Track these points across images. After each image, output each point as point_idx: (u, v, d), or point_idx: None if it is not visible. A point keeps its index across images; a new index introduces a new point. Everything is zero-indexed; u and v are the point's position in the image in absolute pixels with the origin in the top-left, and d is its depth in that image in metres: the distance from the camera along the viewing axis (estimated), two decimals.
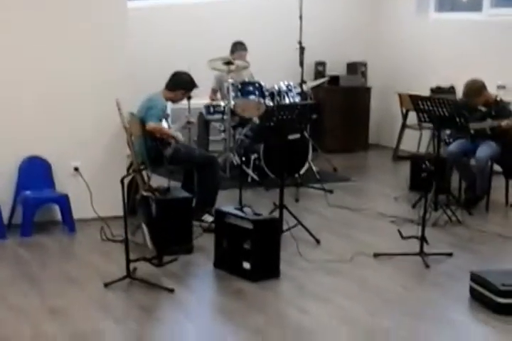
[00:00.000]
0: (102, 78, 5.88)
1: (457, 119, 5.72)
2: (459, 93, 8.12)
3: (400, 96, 8.59)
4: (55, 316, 4.11)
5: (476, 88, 6.37)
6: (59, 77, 5.80)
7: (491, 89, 6.77)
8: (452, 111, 5.67)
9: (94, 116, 5.89)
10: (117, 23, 5.90)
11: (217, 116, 7.61)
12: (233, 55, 7.79)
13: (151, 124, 5.61)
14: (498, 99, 6.56)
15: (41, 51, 5.75)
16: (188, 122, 6.15)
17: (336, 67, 9.36)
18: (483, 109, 6.47)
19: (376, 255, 5.18)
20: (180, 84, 5.90)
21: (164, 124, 5.85)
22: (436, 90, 8.58)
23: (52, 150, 5.81)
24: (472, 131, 6.36)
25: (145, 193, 5.16)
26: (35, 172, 5.77)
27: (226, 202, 6.04)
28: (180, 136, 5.86)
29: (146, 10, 8.22)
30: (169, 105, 7.60)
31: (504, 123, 6.25)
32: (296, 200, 6.68)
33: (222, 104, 7.56)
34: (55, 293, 4.46)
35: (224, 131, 7.67)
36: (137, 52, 6.50)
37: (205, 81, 7.68)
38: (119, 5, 5.94)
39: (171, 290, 4.46)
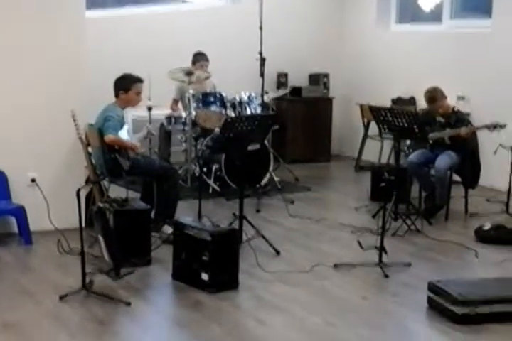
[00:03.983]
0: (58, 89, 5.82)
1: (416, 130, 5.74)
2: (420, 104, 8.23)
3: (361, 107, 8.63)
4: (8, 330, 4.03)
5: (439, 91, 6.46)
6: (15, 87, 5.73)
7: (451, 100, 6.83)
8: (412, 122, 5.70)
9: (52, 127, 5.82)
10: (75, 32, 5.85)
11: (179, 127, 7.57)
12: (195, 65, 7.77)
13: (110, 137, 5.55)
14: (456, 109, 6.62)
15: None
16: (149, 132, 6.09)
17: (297, 78, 9.38)
18: (442, 119, 6.53)
19: (336, 265, 5.17)
20: (116, 85, 5.82)
21: (123, 133, 5.78)
22: (397, 101, 8.64)
23: (9, 161, 5.73)
24: (431, 141, 6.41)
25: (101, 204, 5.10)
26: None
27: (186, 213, 6.01)
28: (139, 146, 5.81)
29: (103, 20, 8.14)
30: (130, 115, 7.62)
31: (463, 131, 6.30)
32: (257, 211, 6.66)
33: (183, 114, 7.53)
34: (8, 307, 4.38)
35: (185, 141, 7.64)
36: (94, 62, 6.43)
37: (165, 92, 7.69)
38: (77, 15, 5.89)
39: (128, 304, 4.40)
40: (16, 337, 3.96)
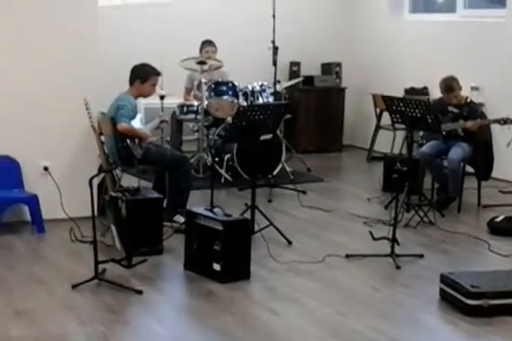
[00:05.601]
0: (71, 77, 5.81)
1: (429, 120, 5.72)
2: (433, 94, 8.19)
3: (374, 97, 8.59)
4: (21, 318, 4.05)
5: (456, 80, 6.42)
6: (28, 76, 5.73)
7: (465, 91, 6.78)
8: (425, 112, 5.67)
9: (65, 115, 5.82)
10: (87, 20, 5.83)
11: (191, 116, 7.56)
12: (201, 53, 7.76)
13: (123, 125, 5.54)
14: (469, 100, 6.58)
15: (9, 50, 5.68)
16: (162, 121, 6.08)
17: (310, 68, 9.34)
18: (455, 110, 6.49)
19: (348, 256, 5.17)
20: (134, 74, 5.80)
21: (137, 122, 5.78)
22: (410, 91, 8.60)
23: (22, 150, 5.74)
24: (444, 132, 6.38)
25: (114, 193, 5.11)
26: (4, 172, 5.70)
27: (198, 202, 6.00)
28: (150, 136, 5.81)
29: (116, 8, 8.14)
30: (142, 104, 7.61)
31: (469, 124, 6.28)
32: (269, 201, 6.65)
33: (195, 103, 7.52)
34: (21, 295, 4.40)
35: (197, 131, 7.63)
36: (107, 50, 6.43)
37: (178, 81, 7.68)
38: (89, 2, 5.87)
39: (140, 292, 4.41)
40: (28, 324, 3.97)
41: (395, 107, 5.88)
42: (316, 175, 7.81)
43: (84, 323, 4.02)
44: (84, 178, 4.64)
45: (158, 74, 5.85)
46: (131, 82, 5.79)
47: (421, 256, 5.21)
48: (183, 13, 8.65)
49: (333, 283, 4.71)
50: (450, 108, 6.50)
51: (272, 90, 7.65)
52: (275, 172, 7.38)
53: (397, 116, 5.91)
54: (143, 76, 5.77)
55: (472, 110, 6.47)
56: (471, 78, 7.79)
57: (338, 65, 9.42)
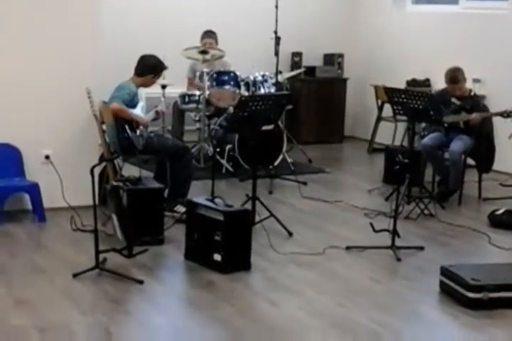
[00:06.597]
0: (72, 66, 5.80)
1: (431, 112, 5.71)
2: (435, 86, 8.17)
3: (376, 88, 8.58)
4: (22, 307, 4.06)
5: (462, 72, 6.41)
6: (29, 65, 5.71)
7: (467, 83, 6.76)
8: (427, 104, 5.66)
9: (66, 104, 5.81)
10: (88, 10, 5.81)
11: (192, 106, 7.55)
12: (201, 43, 7.75)
13: (114, 104, 5.53)
14: (473, 93, 6.57)
15: (10, 40, 5.66)
16: (157, 112, 6.05)
17: (312, 58, 9.32)
18: (457, 102, 6.48)
19: (348, 248, 5.17)
20: (148, 67, 5.81)
21: (138, 111, 5.77)
22: (412, 83, 8.58)
23: (23, 137, 5.73)
24: (446, 125, 6.37)
25: (115, 183, 5.10)
26: (5, 161, 5.70)
27: (199, 192, 6.00)
28: (146, 118, 5.81)
29: None
30: (143, 94, 7.59)
31: (472, 116, 6.27)
32: (270, 192, 6.65)
33: (197, 93, 7.51)
34: (22, 284, 4.41)
35: (199, 120, 7.62)
36: (108, 40, 6.40)
37: (179, 70, 7.66)
38: None
39: (141, 282, 4.42)
40: (29, 313, 3.98)
41: (396, 99, 5.86)
42: (317, 166, 7.81)
43: (85, 312, 4.03)
44: (85, 167, 4.64)
45: (166, 68, 5.92)
46: (141, 73, 5.78)
47: (421, 248, 5.22)
48: (187, 3, 8.62)
49: (333, 275, 4.72)
50: (453, 99, 6.48)
51: (273, 80, 7.64)
52: (276, 163, 7.37)
53: (399, 107, 5.90)
54: (157, 71, 5.84)
55: (475, 103, 6.46)
56: (473, 70, 7.74)
57: (341, 55, 9.40)
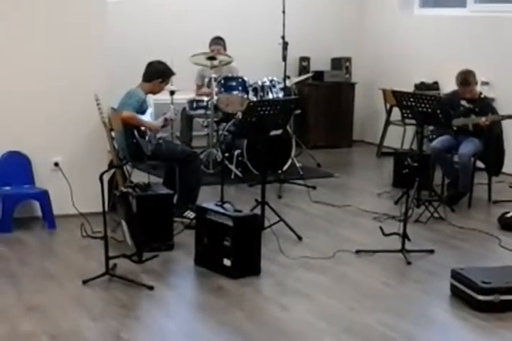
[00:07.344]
0: (81, 73, 5.83)
1: (440, 115, 5.70)
2: (443, 89, 8.16)
3: (384, 92, 8.57)
4: (32, 313, 4.07)
5: (473, 75, 6.39)
6: (38, 72, 5.74)
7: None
8: (435, 107, 5.65)
9: (75, 111, 5.84)
10: (96, 16, 5.85)
11: (201, 112, 7.57)
12: (209, 50, 7.76)
13: (125, 112, 5.55)
14: (483, 96, 6.55)
15: (19, 46, 5.70)
16: (166, 119, 6.06)
17: (320, 63, 9.32)
18: (466, 105, 6.47)
19: (358, 251, 5.16)
20: (156, 73, 5.83)
21: (147, 117, 5.79)
22: (420, 86, 8.57)
23: (32, 145, 5.75)
24: (455, 128, 6.36)
25: (125, 189, 5.12)
26: (14, 168, 5.72)
27: (209, 198, 6.00)
28: (156, 124, 5.83)
29: (125, 4, 8.14)
30: (152, 100, 7.60)
31: (483, 120, 6.25)
32: (279, 197, 6.65)
33: (205, 99, 7.52)
34: (33, 290, 4.42)
35: (207, 126, 7.63)
36: (117, 46, 6.44)
37: (187, 76, 7.68)
38: None
39: (151, 288, 4.43)
40: (40, 320, 3.99)
41: (405, 102, 5.86)
42: (325, 171, 7.81)
43: (95, 318, 4.04)
44: (94, 174, 4.66)
45: (174, 74, 5.94)
46: (149, 79, 5.80)
47: (431, 251, 5.20)
48: (195, 9, 8.65)
49: (344, 279, 4.71)
50: (463, 102, 6.46)
51: (281, 85, 7.64)
52: (285, 168, 7.37)
53: (408, 111, 5.90)
54: (165, 76, 5.86)
55: (484, 105, 6.44)
56: (481, 73, 7.72)
57: (348, 60, 9.40)
